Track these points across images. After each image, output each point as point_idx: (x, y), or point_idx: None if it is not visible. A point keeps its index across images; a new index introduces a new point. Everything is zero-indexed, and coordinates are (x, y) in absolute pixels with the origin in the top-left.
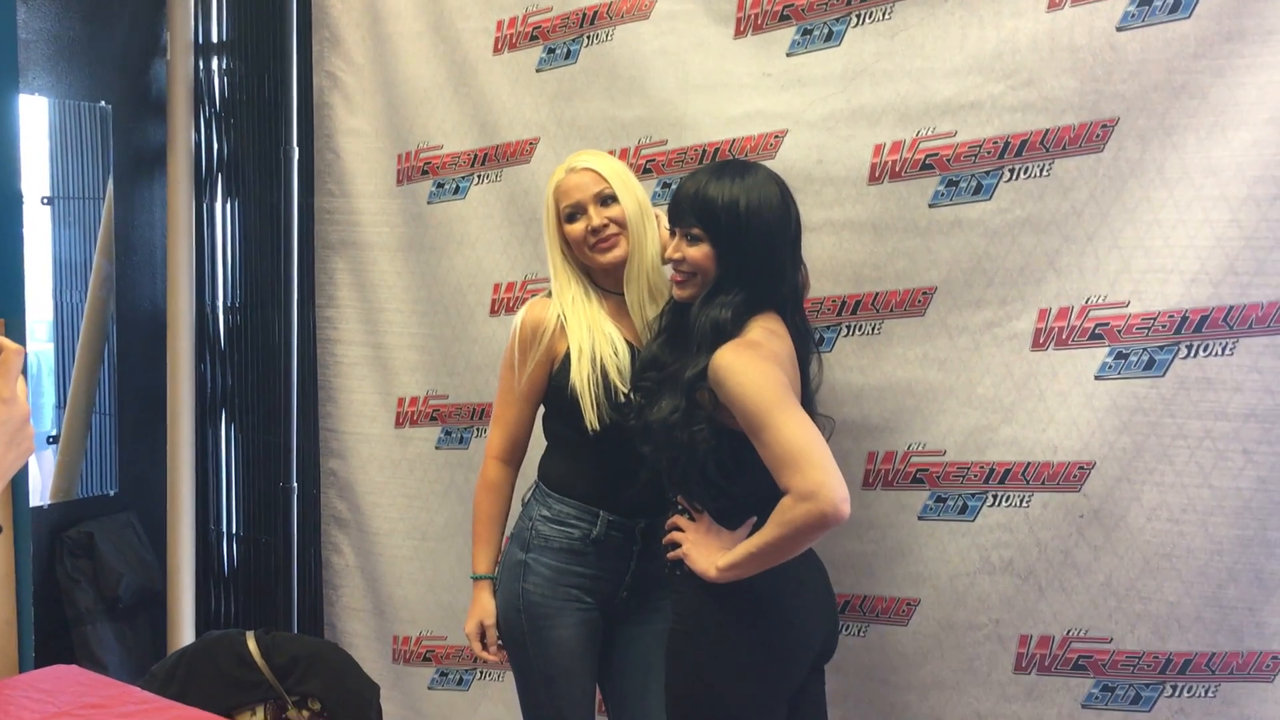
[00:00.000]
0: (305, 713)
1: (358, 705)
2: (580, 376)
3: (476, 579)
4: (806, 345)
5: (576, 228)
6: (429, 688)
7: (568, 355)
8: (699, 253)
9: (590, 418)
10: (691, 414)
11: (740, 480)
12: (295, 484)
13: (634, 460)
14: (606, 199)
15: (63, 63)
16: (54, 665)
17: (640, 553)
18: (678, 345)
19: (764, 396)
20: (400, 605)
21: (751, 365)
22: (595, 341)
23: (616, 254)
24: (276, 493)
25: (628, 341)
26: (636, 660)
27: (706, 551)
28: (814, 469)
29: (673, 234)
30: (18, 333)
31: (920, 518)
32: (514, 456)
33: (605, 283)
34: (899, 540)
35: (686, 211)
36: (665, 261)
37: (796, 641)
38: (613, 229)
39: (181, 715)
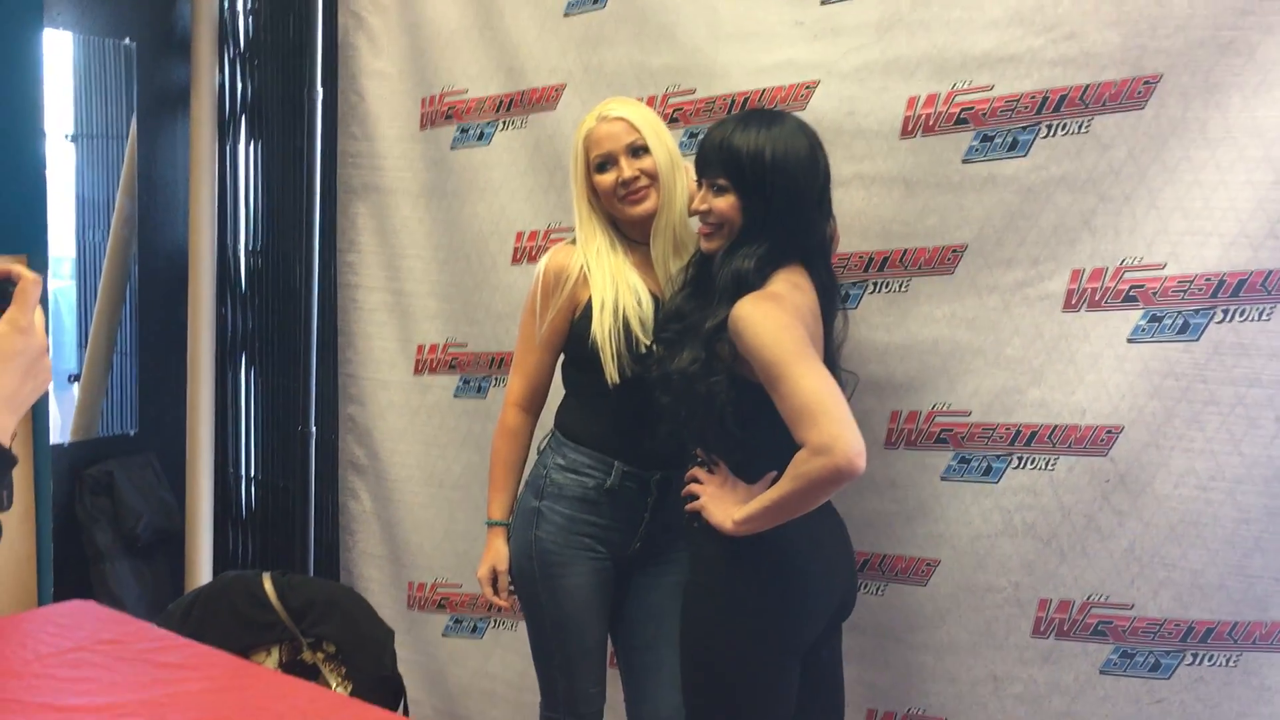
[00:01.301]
0: (320, 654)
1: (372, 649)
2: (602, 329)
3: (491, 524)
4: (832, 300)
5: (607, 178)
6: (443, 635)
7: (589, 305)
8: (725, 204)
9: (610, 370)
10: (710, 365)
11: (758, 433)
12: (314, 429)
13: (652, 412)
14: (638, 150)
15: None
16: (71, 600)
17: (655, 504)
18: (701, 297)
19: (782, 348)
20: (416, 552)
21: (770, 317)
22: (619, 293)
23: (647, 206)
24: (295, 437)
25: (652, 294)
26: (649, 611)
27: (724, 504)
28: (830, 422)
29: (700, 185)
30: (39, 270)
31: (943, 478)
32: (533, 404)
33: (632, 233)
34: (920, 500)
35: (713, 162)
36: (692, 213)
37: (812, 599)
38: (644, 181)
39: (196, 652)
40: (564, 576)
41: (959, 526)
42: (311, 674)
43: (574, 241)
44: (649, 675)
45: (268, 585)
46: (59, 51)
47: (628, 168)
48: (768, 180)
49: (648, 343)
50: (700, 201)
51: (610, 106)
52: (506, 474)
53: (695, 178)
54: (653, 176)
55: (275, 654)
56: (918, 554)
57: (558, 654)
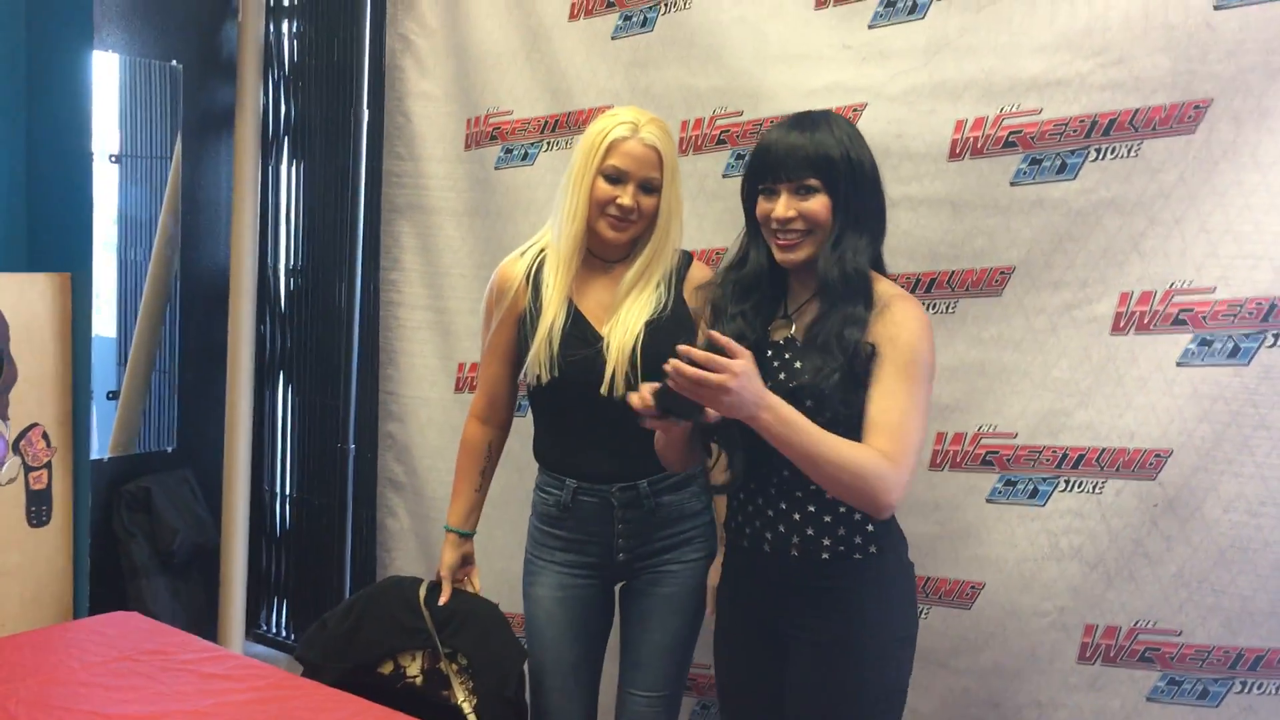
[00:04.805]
0: (454, 665)
1: (497, 670)
2: (528, 333)
3: (445, 529)
4: None
5: (610, 190)
6: None
7: (530, 314)
8: (818, 205)
9: (529, 374)
10: (852, 370)
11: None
12: (352, 446)
13: (589, 426)
14: (651, 187)
15: (136, 20)
16: (115, 611)
17: (627, 515)
18: (763, 315)
19: (924, 364)
20: None
21: (928, 329)
22: (545, 303)
23: (624, 237)
24: (332, 454)
25: (573, 307)
26: (637, 614)
27: (759, 386)
28: (907, 466)
29: (768, 194)
30: (83, 288)
31: (988, 500)
32: (491, 415)
33: (594, 245)
34: (965, 522)
35: (797, 164)
36: (777, 225)
37: None
38: (636, 216)
39: (240, 663)
40: (532, 585)
41: (1004, 549)
42: (446, 684)
43: (523, 252)
44: (627, 669)
45: (421, 592)
46: (107, 73)
47: (629, 197)
48: (860, 176)
49: (546, 357)
50: (785, 209)
51: (649, 129)
52: (461, 481)
53: (748, 192)
54: (645, 217)
55: (419, 659)
56: (962, 576)
57: (533, 661)
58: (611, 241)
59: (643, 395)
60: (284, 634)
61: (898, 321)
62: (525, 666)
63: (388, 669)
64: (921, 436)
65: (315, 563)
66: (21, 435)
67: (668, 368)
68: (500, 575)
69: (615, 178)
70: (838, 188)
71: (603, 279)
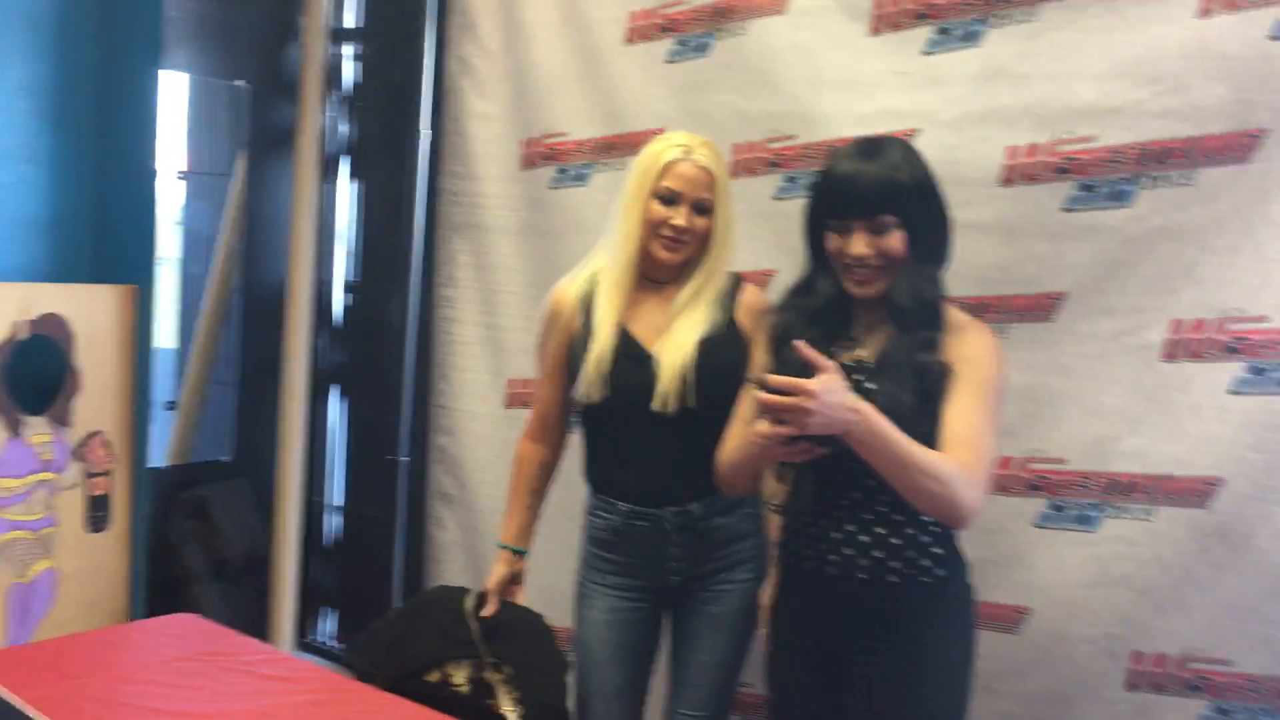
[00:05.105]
0: (499, 675)
1: (543, 678)
2: (578, 352)
3: (497, 546)
4: None
5: (663, 211)
6: None
7: (582, 336)
8: (895, 241)
9: (584, 391)
10: (928, 394)
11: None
12: (404, 458)
13: (640, 448)
14: (704, 208)
15: (205, 41)
16: (178, 614)
17: (680, 539)
18: (830, 340)
19: (997, 384)
20: None
21: (1000, 355)
22: (597, 323)
23: (677, 258)
24: (383, 467)
25: (623, 328)
26: (686, 633)
27: (845, 398)
28: (985, 472)
29: (841, 230)
30: (146, 300)
31: (1036, 525)
32: (544, 435)
33: (649, 268)
34: (1012, 547)
35: (872, 201)
36: (852, 261)
37: None
38: (689, 237)
39: (297, 666)
40: (585, 608)
41: (1052, 575)
42: (492, 693)
43: (577, 277)
44: (675, 687)
45: (468, 602)
46: (175, 92)
47: (683, 218)
48: (930, 200)
49: (596, 375)
50: (863, 246)
51: (700, 152)
52: (513, 499)
53: (811, 226)
54: (698, 237)
55: (466, 668)
56: (1009, 600)
57: (581, 683)
58: (665, 262)
59: (769, 424)
60: (332, 643)
61: (973, 342)
62: (569, 677)
63: (434, 678)
64: (994, 454)
65: (365, 573)
66: (83, 442)
67: (760, 401)
68: (547, 590)
69: (669, 199)
70: (910, 218)
71: (654, 300)
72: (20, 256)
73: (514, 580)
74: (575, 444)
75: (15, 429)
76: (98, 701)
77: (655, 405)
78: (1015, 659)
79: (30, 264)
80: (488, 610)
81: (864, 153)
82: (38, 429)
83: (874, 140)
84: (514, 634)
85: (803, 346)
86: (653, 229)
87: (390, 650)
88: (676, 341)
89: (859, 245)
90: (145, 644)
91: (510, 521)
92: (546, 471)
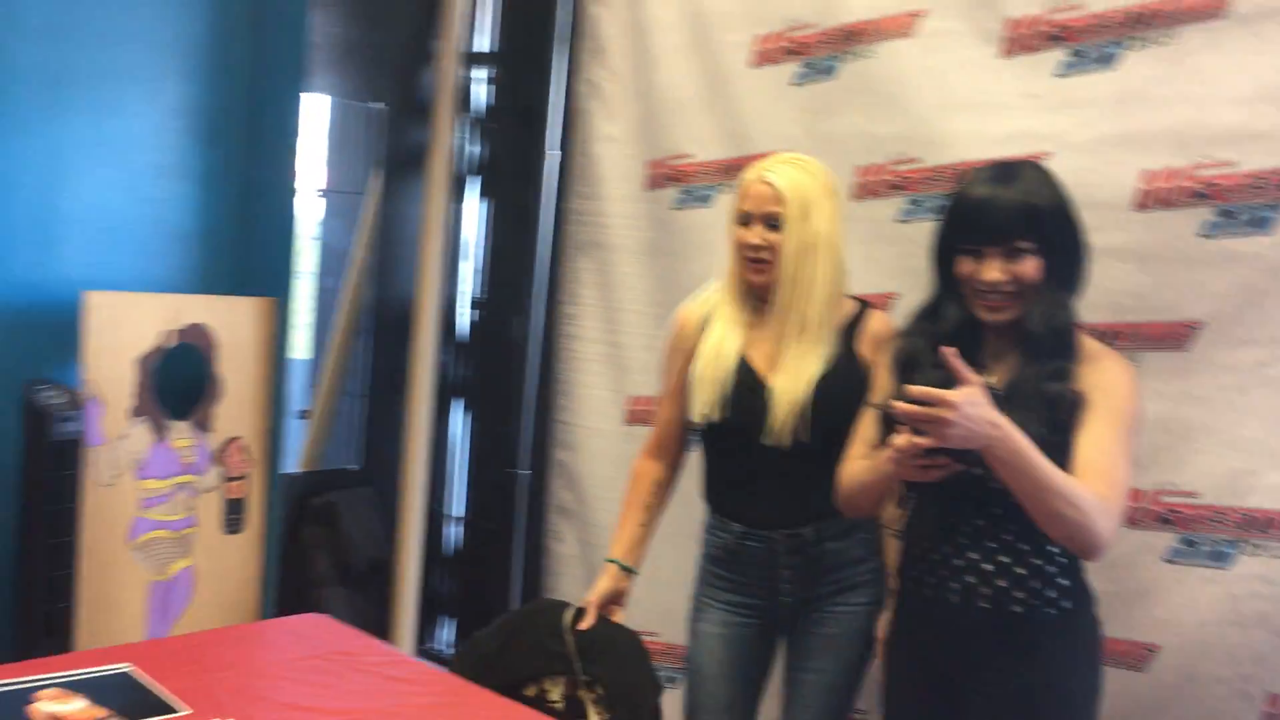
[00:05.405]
0: (591, 694)
1: (633, 699)
2: (694, 374)
3: (605, 561)
4: None
5: (741, 232)
6: None
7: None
8: (1031, 267)
9: (698, 411)
10: (1057, 426)
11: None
12: (524, 472)
13: (753, 473)
14: (775, 223)
15: (347, 65)
16: (307, 614)
17: (792, 561)
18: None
19: (1133, 415)
20: None
21: (1137, 385)
22: (712, 347)
23: (761, 279)
24: (504, 480)
25: (742, 358)
26: (798, 654)
27: (987, 413)
28: (1120, 503)
29: (973, 255)
30: (285, 312)
31: (1166, 560)
32: (661, 453)
33: (751, 289)
34: (1141, 582)
35: (1008, 226)
36: (985, 287)
37: None
38: (766, 255)
39: (421, 670)
40: (697, 620)
41: (1183, 612)
42: (584, 711)
43: (700, 299)
44: (786, 709)
45: (567, 617)
46: (316, 113)
47: (757, 236)
48: (1067, 226)
49: (712, 397)
50: (997, 272)
51: (771, 168)
52: (625, 514)
53: (942, 249)
54: (778, 254)
55: (561, 684)
56: (1137, 637)
57: (689, 695)
58: (754, 284)
59: (908, 436)
60: (449, 651)
61: (1109, 372)
62: (662, 700)
63: (531, 692)
64: (1129, 485)
65: (483, 583)
66: (222, 447)
67: (898, 410)
68: (663, 607)
69: (744, 220)
70: (1047, 243)
71: (765, 324)
72: (170, 269)
73: (616, 598)
74: (694, 463)
75: (161, 433)
76: (235, 694)
77: (768, 441)
78: (1143, 698)
79: (179, 276)
80: (584, 623)
81: (1000, 176)
82: (181, 433)
83: (1009, 164)
84: (608, 653)
85: (951, 356)
86: (739, 253)
87: (490, 661)
88: (792, 374)
89: (993, 271)
90: (279, 641)
91: (620, 536)
92: (661, 489)
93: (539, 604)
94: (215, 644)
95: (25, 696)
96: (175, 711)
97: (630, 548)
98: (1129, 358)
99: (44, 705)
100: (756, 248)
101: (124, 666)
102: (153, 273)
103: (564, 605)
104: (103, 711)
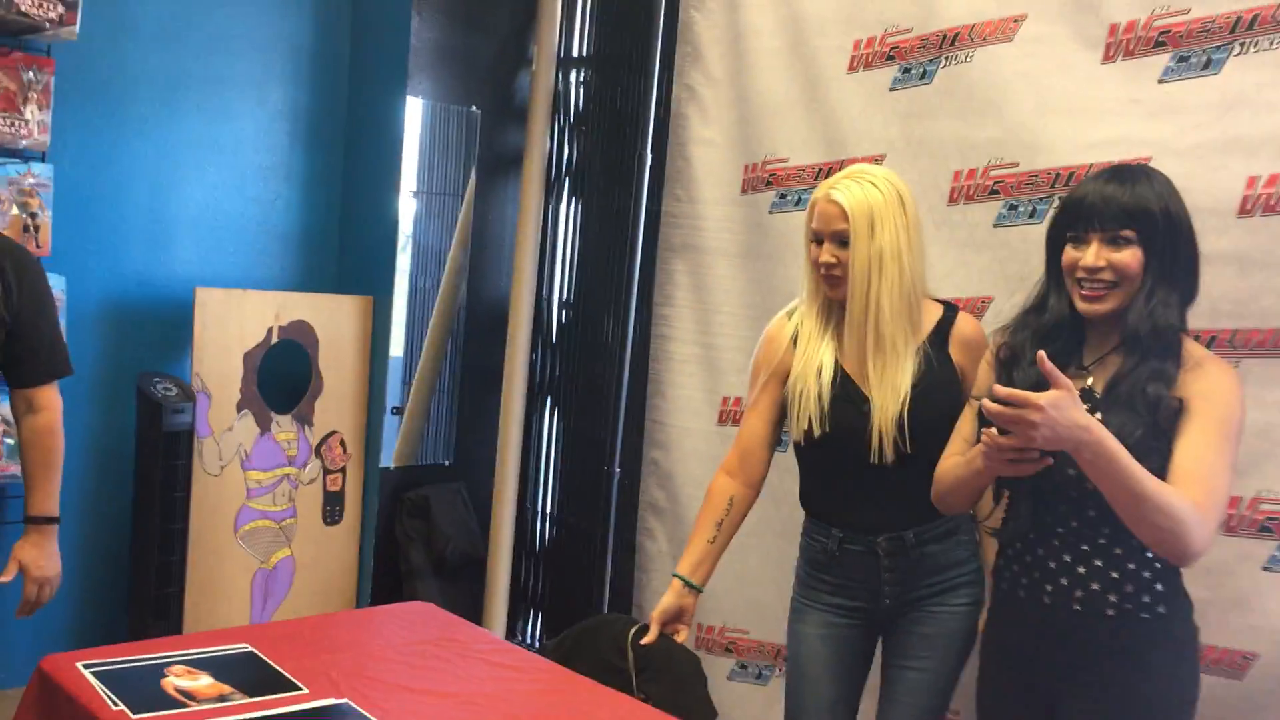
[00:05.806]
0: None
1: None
2: (793, 389)
3: (672, 575)
4: None
5: (815, 250)
6: (728, 678)
7: (796, 371)
8: (1129, 256)
9: (797, 427)
10: (1157, 427)
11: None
12: (617, 469)
13: (853, 483)
14: (843, 240)
15: (444, 70)
16: (413, 601)
17: (891, 564)
18: (1060, 363)
19: (1236, 422)
20: (706, 594)
21: (1241, 392)
22: (806, 362)
23: (839, 294)
24: (593, 477)
25: (837, 361)
26: (896, 651)
27: (1077, 417)
28: (1217, 512)
29: (1077, 242)
30: (383, 311)
31: (1265, 569)
32: (740, 470)
33: (842, 304)
34: (1239, 590)
35: (1114, 214)
36: (1084, 274)
37: None
38: (839, 271)
39: (524, 657)
40: (799, 623)
41: None
42: None
43: (790, 313)
44: (883, 704)
45: (630, 633)
46: (414, 116)
47: (826, 253)
48: (1177, 232)
49: (813, 413)
50: (1094, 258)
51: (838, 187)
52: (696, 532)
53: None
54: (847, 269)
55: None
56: (1234, 645)
57: (791, 697)
58: (833, 300)
59: (994, 433)
60: (538, 645)
61: (1213, 378)
62: None
63: None
64: (1228, 494)
65: (572, 580)
66: (323, 441)
67: (986, 409)
68: (752, 602)
69: (816, 238)
70: (1154, 242)
71: (854, 337)
72: (275, 268)
73: (680, 614)
74: (780, 460)
75: (265, 426)
76: (349, 675)
77: (871, 458)
78: (1240, 705)
79: (283, 274)
80: (646, 639)
81: (1114, 174)
82: (284, 427)
83: (1129, 166)
84: (664, 672)
85: (1043, 359)
86: (816, 270)
87: None
88: (891, 387)
89: (1091, 256)
90: (387, 627)
91: (689, 552)
92: (737, 507)
93: (607, 617)
94: (327, 628)
95: (161, 671)
96: (295, 689)
97: (696, 564)
98: (1230, 364)
99: (174, 680)
100: (829, 264)
101: (243, 646)
102: (258, 270)
103: (631, 621)
104: (226, 688)
